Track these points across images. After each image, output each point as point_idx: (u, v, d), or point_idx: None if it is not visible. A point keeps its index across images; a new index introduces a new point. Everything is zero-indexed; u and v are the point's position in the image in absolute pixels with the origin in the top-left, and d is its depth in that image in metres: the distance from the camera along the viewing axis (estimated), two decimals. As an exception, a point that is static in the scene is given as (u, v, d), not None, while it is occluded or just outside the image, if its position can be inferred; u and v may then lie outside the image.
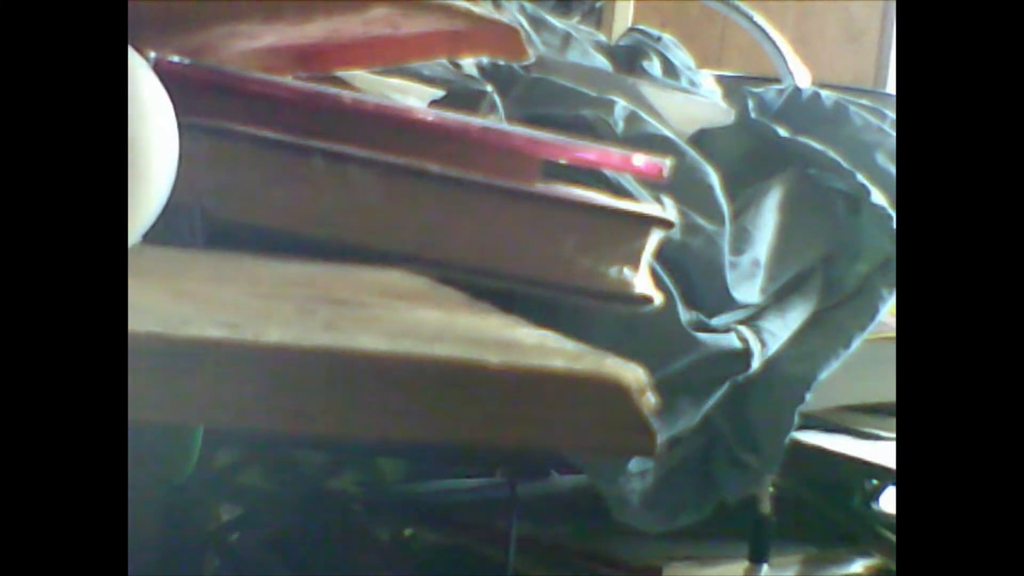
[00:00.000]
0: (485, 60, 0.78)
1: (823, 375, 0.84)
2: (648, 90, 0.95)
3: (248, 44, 0.57)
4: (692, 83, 1.05)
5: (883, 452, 0.87)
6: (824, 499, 0.97)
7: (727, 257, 0.81)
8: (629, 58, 1.04)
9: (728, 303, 0.81)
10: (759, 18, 1.38)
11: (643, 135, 0.84)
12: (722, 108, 1.00)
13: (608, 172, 0.70)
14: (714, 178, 0.83)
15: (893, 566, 0.92)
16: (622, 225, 0.61)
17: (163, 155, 0.28)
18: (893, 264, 0.85)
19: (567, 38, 1.00)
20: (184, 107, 0.54)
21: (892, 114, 0.82)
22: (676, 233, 0.72)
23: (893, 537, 0.93)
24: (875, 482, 0.99)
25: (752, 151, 0.91)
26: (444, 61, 0.74)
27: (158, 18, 0.52)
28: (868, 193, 0.86)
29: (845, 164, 0.87)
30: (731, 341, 0.80)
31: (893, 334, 0.87)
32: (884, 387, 0.90)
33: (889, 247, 0.85)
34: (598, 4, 1.50)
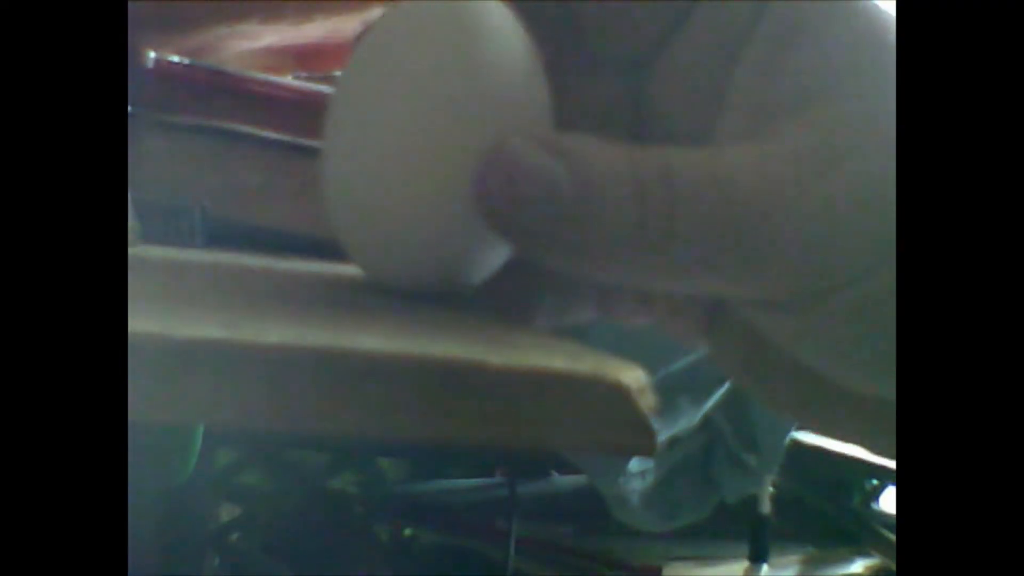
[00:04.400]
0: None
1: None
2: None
3: (248, 44, 0.57)
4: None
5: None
6: (824, 499, 0.97)
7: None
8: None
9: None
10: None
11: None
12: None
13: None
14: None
15: (893, 566, 0.92)
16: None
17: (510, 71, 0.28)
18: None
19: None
20: (184, 107, 0.54)
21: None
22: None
23: (893, 537, 0.93)
24: (875, 482, 0.99)
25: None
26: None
27: (158, 18, 0.52)
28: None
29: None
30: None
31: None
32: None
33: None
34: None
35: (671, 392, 0.75)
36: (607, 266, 0.28)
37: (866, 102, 0.27)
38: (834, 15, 0.28)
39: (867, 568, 0.94)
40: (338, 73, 0.32)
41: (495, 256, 0.30)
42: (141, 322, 0.22)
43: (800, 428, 0.84)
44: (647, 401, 0.24)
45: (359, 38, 0.30)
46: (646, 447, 0.24)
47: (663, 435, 0.76)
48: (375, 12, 0.55)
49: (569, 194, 0.27)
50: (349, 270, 0.32)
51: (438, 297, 0.30)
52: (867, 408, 0.29)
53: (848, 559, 0.95)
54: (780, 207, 0.26)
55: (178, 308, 0.26)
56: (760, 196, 0.27)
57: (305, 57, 0.59)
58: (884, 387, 0.27)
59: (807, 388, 0.30)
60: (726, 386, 0.81)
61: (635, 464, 0.81)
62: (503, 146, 0.28)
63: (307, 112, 0.54)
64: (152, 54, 0.53)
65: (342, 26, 0.56)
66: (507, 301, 0.31)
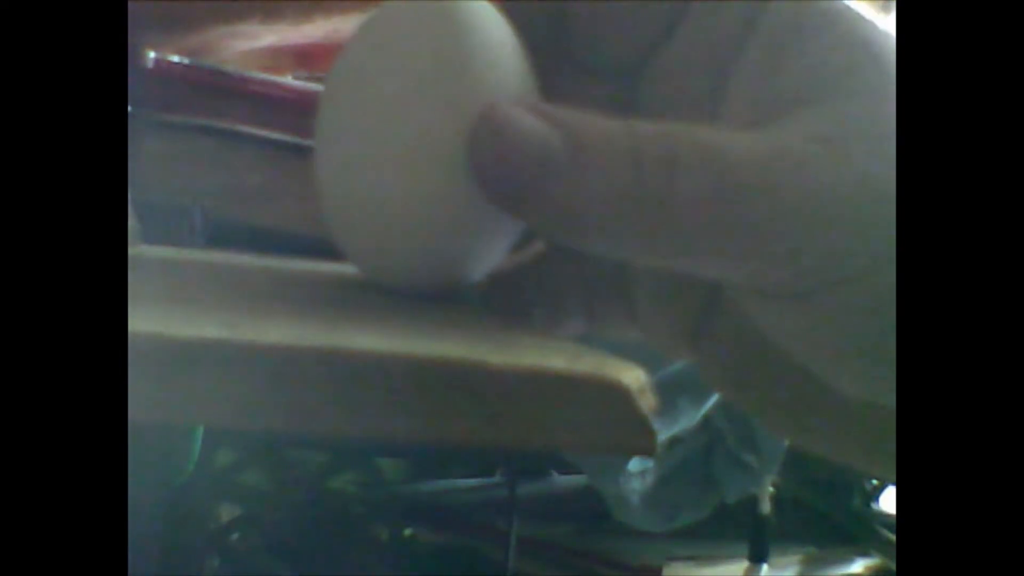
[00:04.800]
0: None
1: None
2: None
3: (248, 44, 0.57)
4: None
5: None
6: (824, 499, 0.97)
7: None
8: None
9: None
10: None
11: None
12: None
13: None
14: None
15: (893, 566, 0.92)
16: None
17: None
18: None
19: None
20: (184, 107, 0.54)
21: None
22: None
23: (893, 537, 0.93)
24: (875, 482, 0.99)
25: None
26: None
27: (158, 18, 0.52)
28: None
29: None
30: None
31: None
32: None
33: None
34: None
35: (671, 392, 0.75)
36: (599, 236, 0.27)
37: (869, 101, 0.27)
38: (833, 15, 0.28)
39: (867, 568, 0.94)
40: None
41: (491, 254, 0.30)
42: (141, 322, 0.22)
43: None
44: (647, 401, 0.24)
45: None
46: (646, 447, 0.24)
47: (663, 435, 0.76)
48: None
49: (561, 158, 0.27)
50: (349, 270, 0.32)
51: (437, 297, 0.30)
52: (859, 418, 0.29)
53: (848, 559, 0.95)
54: (781, 189, 0.26)
55: (178, 308, 0.26)
56: (762, 176, 0.26)
57: (305, 57, 0.59)
58: (882, 389, 0.27)
59: (798, 398, 0.29)
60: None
61: (635, 464, 0.81)
62: (493, 106, 0.27)
63: (307, 112, 0.54)
64: (152, 54, 0.53)
65: (342, 26, 0.56)
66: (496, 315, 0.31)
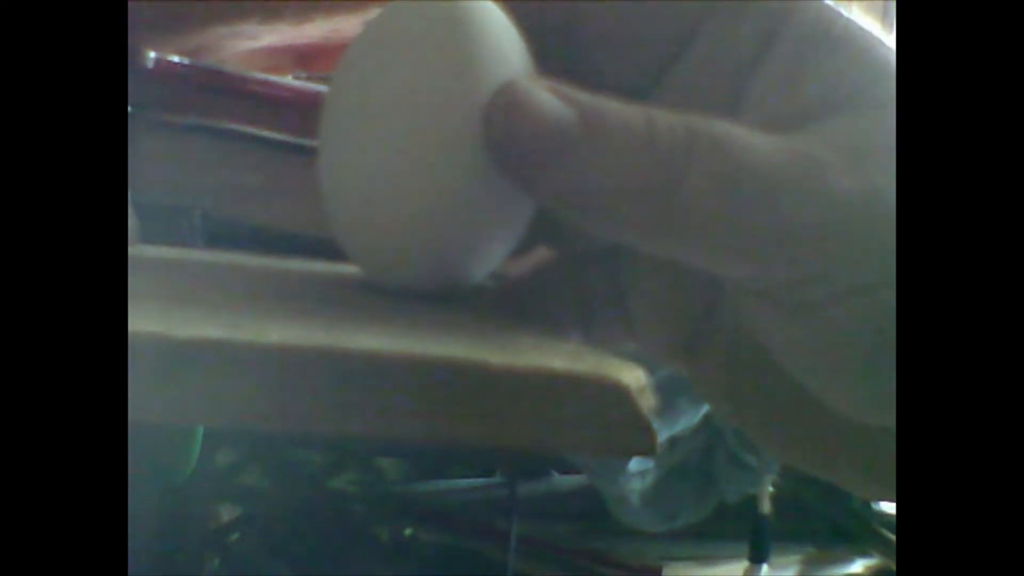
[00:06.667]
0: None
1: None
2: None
3: (248, 44, 0.57)
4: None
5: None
6: (824, 499, 0.97)
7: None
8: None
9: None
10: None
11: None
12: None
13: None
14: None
15: (893, 566, 0.92)
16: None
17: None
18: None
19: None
20: (184, 107, 0.54)
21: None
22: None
23: (893, 537, 0.93)
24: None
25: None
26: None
27: (158, 18, 0.52)
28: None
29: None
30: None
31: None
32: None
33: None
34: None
35: (671, 392, 0.75)
36: (606, 217, 0.27)
37: (885, 116, 0.27)
38: (851, 31, 0.28)
39: (867, 568, 0.94)
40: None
41: (492, 255, 0.30)
42: (141, 322, 0.22)
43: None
44: (647, 401, 0.24)
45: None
46: (646, 447, 0.24)
47: (663, 435, 0.76)
48: (375, 12, 0.55)
49: (575, 134, 0.26)
50: (349, 270, 0.32)
51: (438, 297, 0.30)
52: (852, 438, 0.28)
53: (848, 559, 0.95)
54: (793, 191, 0.26)
55: (178, 308, 0.26)
56: (775, 176, 0.26)
57: (305, 57, 0.59)
58: (878, 409, 0.27)
59: (791, 415, 0.29)
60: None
61: (635, 464, 0.81)
62: (510, 81, 0.27)
63: (307, 112, 0.54)
64: (152, 54, 0.53)
65: (342, 26, 0.56)
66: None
